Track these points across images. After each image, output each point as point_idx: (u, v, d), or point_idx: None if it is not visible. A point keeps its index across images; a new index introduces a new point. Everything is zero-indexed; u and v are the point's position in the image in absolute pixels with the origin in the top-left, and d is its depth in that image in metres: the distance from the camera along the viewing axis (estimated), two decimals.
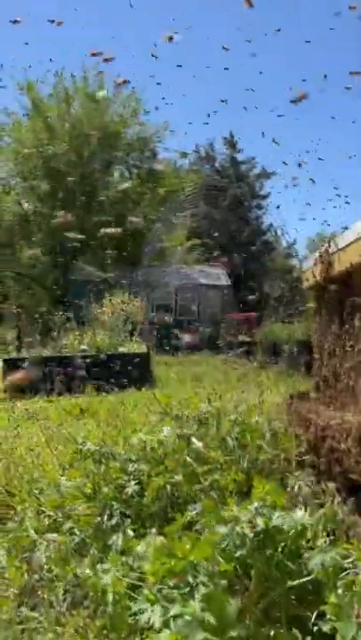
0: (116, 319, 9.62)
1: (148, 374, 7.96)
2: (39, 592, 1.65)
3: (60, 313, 10.25)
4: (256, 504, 1.31)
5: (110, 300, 10.59)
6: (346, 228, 2.45)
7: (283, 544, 1.28)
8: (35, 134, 19.61)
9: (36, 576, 1.72)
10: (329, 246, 2.56)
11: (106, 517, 1.78)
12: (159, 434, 2.16)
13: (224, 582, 1.15)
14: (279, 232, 33.15)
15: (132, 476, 1.89)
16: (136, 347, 9.03)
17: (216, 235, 25.85)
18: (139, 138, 21.72)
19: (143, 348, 8.94)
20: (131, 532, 1.61)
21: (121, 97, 20.88)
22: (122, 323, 9.56)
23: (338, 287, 2.58)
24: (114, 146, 20.69)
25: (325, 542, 1.37)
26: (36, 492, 2.35)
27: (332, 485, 1.81)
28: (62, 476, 2.33)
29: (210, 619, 0.99)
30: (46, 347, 9.06)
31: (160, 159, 22.31)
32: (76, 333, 9.11)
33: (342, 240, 2.38)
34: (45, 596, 1.60)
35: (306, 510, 1.44)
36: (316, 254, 2.72)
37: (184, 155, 25.04)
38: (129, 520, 1.80)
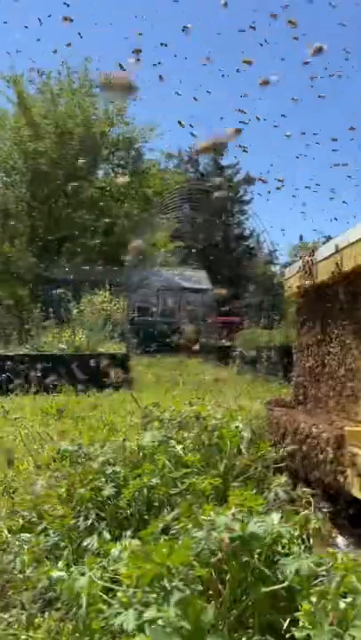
0: (96, 319, 9.57)
1: (127, 375, 7.94)
2: (10, 593, 1.63)
3: (40, 310, 10.17)
4: (233, 509, 1.31)
5: (91, 299, 10.53)
6: (329, 238, 2.48)
7: (258, 550, 1.29)
8: (18, 130, 19.43)
9: (7, 576, 1.70)
10: (311, 256, 2.59)
11: (81, 519, 1.77)
12: (138, 436, 2.16)
13: (199, 588, 1.14)
14: (261, 238, 33.40)
15: (109, 479, 1.87)
16: (115, 347, 9.00)
17: (199, 238, 25.92)
18: (124, 137, 21.67)
19: (122, 349, 8.91)
20: (107, 535, 1.60)
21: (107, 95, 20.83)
22: (102, 323, 9.52)
23: (319, 296, 2.60)
24: (99, 144, 20.61)
25: (300, 549, 1.38)
26: (10, 490, 2.32)
27: (308, 492, 1.82)
28: (38, 475, 2.31)
29: (185, 624, 0.98)
30: (24, 344, 8.97)
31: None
32: (55, 332, 9.04)
33: (325, 250, 2.41)
34: (17, 597, 1.58)
35: (282, 516, 1.44)
36: (299, 263, 2.75)
37: (170, 156, 25.05)
38: (104, 522, 1.79)
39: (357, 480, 1.74)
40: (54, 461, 2.29)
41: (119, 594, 1.17)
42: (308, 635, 1.06)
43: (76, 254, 19.05)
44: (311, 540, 1.49)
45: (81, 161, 18.71)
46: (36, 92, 20.22)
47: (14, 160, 19.56)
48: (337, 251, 2.23)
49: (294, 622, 1.18)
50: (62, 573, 1.38)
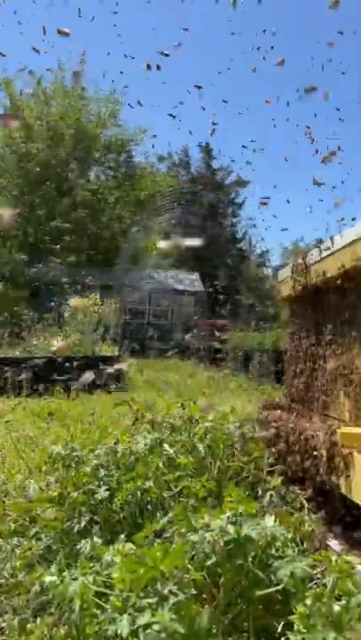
0: (88, 321, 9.53)
1: (119, 378, 7.92)
2: (3, 598, 1.61)
3: (31, 313, 10.12)
4: (228, 513, 1.31)
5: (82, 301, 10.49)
6: (320, 241, 2.49)
7: (253, 553, 1.28)
8: (10, 131, 19.37)
9: (0, 581, 1.69)
10: (305, 258, 2.59)
11: (75, 522, 1.75)
12: (131, 439, 2.15)
13: (194, 592, 1.14)
14: (253, 240, 33.50)
15: (101, 482, 1.86)
16: (107, 349, 8.98)
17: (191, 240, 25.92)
18: (116, 139, 21.67)
19: (114, 351, 8.89)
20: (99, 539, 1.59)
21: (99, 98, 20.86)
22: (94, 325, 9.49)
23: (312, 298, 2.61)
24: (90, 147, 20.60)
25: (294, 552, 1.38)
26: (2, 494, 2.30)
27: (301, 494, 1.82)
28: (30, 478, 2.29)
29: (180, 629, 0.97)
30: (15, 347, 8.93)
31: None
32: (47, 334, 9.01)
33: (318, 252, 2.41)
34: (9, 601, 1.57)
35: (276, 519, 1.44)
36: (292, 266, 2.75)
37: (162, 159, 25.08)
38: (97, 526, 1.78)
39: (351, 481, 1.74)
40: (46, 464, 2.27)
41: (112, 598, 1.16)
42: (303, 639, 1.05)
43: (68, 257, 19.01)
44: (305, 543, 1.49)
45: (72, 163, 18.72)
46: (28, 95, 20.20)
47: (6, 162, 19.51)
48: (330, 253, 2.24)
49: (289, 625, 1.18)
50: (54, 578, 1.36)
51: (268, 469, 2.07)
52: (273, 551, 1.32)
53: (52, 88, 20.26)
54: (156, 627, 1.01)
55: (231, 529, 1.25)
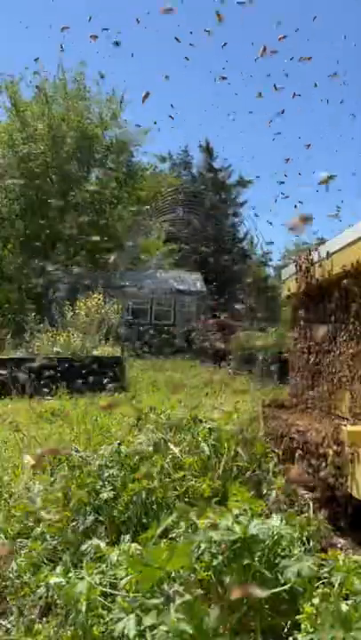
0: (90, 322, 9.53)
1: (122, 378, 7.91)
2: (8, 599, 1.61)
3: (34, 314, 10.12)
4: (234, 512, 1.30)
5: (85, 302, 10.49)
6: (322, 241, 2.48)
7: (259, 553, 1.28)
8: (11, 133, 19.40)
9: (6, 582, 1.68)
10: (309, 256, 2.59)
11: (80, 522, 1.75)
12: (134, 440, 2.14)
13: (201, 592, 1.13)
14: (255, 240, 33.48)
15: (106, 482, 1.86)
16: (110, 350, 8.97)
17: (193, 241, 25.96)
18: (118, 140, 21.67)
19: (117, 352, 8.88)
20: (103, 541, 1.58)
21: (101, 99, 20.89)
22: (96, 326, 9.49)
23: (317, 296, 2.60)
24: (92, 148, 20.61)
25: (301, 551, 1.37)
26: (7, 495, 2.30)
27: (307, 494, 1.81)
28: (34, 480, 2.29)
29: (187, 629, 0.97)
30: (19, 348, 8.94)
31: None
32: (50, 335, 9.01)
33: (322, 250, 2.41)
34: (15, 603, 1.56)
35: (282, 518, 1.43)
36: (296, 265, 2.74)
37: (163, 159, 25.08)
38: (102, 526, 1.78)
39: (356, 479, 1.73)
40: (50, 465, 2.27)
41: (119, 599, 1.16)
42: (311, 639, 1.04)
43: (70, 257, 19.01)
44: (311, 542, 1.48)
45: (74, 166, 18.72)
46: (31, 96, 20.23)
47: (8, 163, 19.52)
48: (336, 250, 2.23)
49: (296, 625, 1.17)
50: (60, 579, 1.36)
51: (273, 468, 2.07)
52: (279, 550, 1.32)
53: (53, 89, 20.27)
54: (163, 627, 1.00)
55: (237, 528, 1.25)
